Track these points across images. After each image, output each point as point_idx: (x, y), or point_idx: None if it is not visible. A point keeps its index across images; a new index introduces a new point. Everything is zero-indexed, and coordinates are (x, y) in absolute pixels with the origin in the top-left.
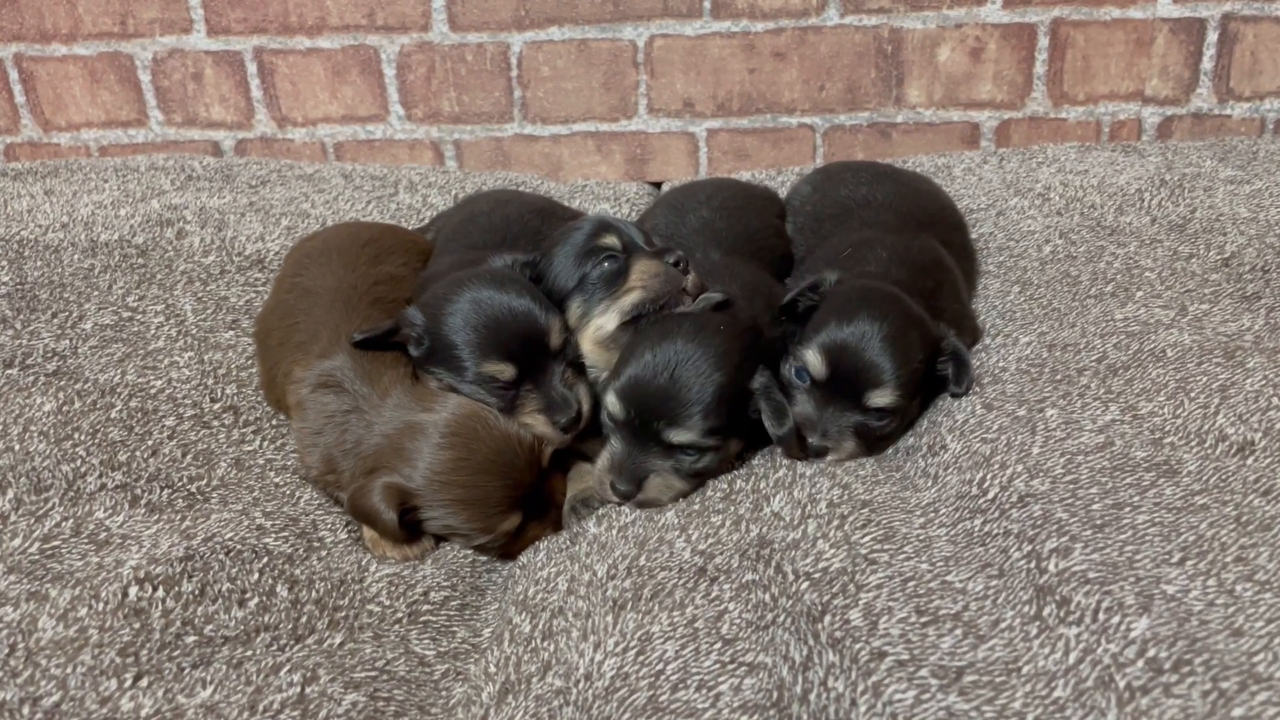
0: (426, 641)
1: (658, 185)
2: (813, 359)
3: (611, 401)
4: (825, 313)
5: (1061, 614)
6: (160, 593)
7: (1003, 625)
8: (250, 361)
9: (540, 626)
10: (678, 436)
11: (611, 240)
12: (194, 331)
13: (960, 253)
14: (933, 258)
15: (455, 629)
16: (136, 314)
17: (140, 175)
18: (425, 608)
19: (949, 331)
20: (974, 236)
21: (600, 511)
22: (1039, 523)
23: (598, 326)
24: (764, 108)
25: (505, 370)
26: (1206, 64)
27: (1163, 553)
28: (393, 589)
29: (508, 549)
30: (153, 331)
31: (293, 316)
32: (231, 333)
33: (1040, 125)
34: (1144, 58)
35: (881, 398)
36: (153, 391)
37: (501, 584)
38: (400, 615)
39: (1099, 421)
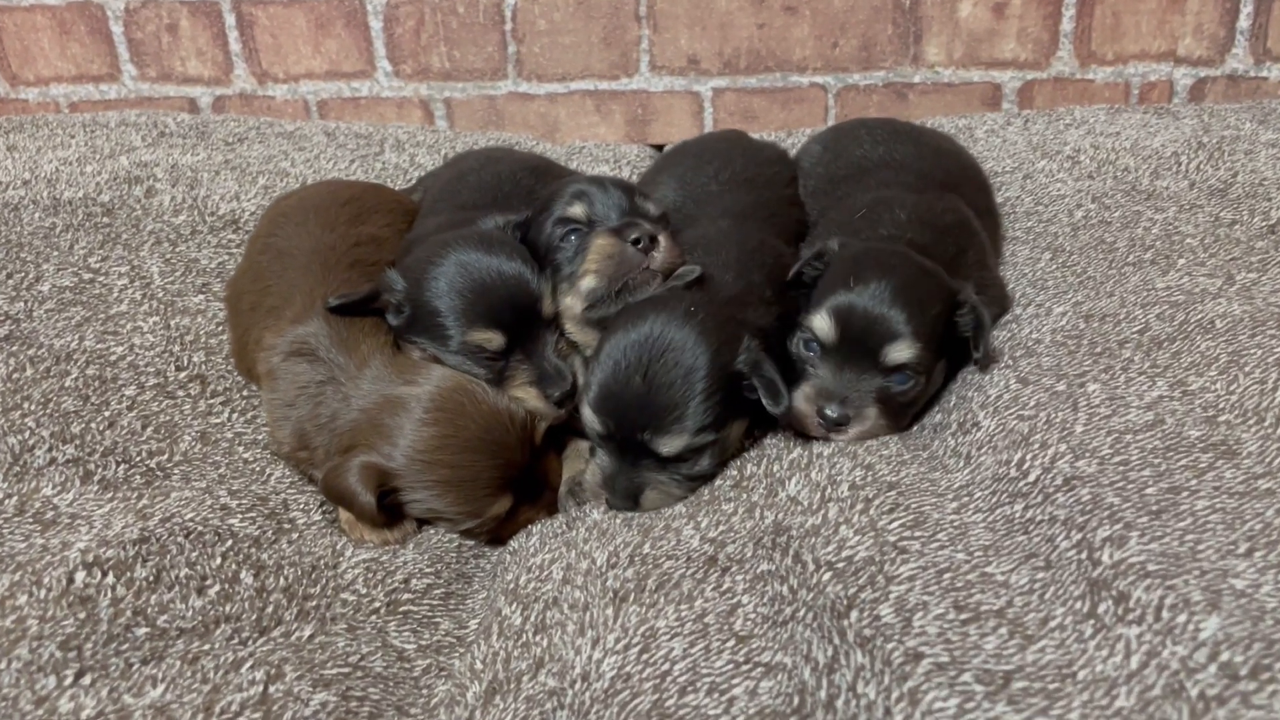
0: (406, 634)
1: (659, 148)
2: (821, 323)
3: (588, 416)
4: (830, 277)
5: (1120, 611)
6: (110, 579)
7: (1053, 624)
8: (221, 327)
9: (533, 619)
10: (667, 446)
11: (577, 211)
12: (160, 295)
13: (985, 216)
14: (957, 219)
15: (438, 620)
16: (99, 276)
17: (110, 131)
18: (405, 597)
19: (966, 284)
20: (999, 201)
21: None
22: (1089, 508)
23: (566, 306)
24: (773, 66)
25: (494, 339)
26: (1243, 22)
27: (1227, 542)
28: (370, 576)
29: (497, 533)
30: (115, 295)
31: (265, 279)
32: (201, 297)
33: (1066, 86)
34: (1177, 15)
35: (900, 351)
36: (113, 359)
37: (490, 571)
38: (378, 605)
39: (1146, 398)
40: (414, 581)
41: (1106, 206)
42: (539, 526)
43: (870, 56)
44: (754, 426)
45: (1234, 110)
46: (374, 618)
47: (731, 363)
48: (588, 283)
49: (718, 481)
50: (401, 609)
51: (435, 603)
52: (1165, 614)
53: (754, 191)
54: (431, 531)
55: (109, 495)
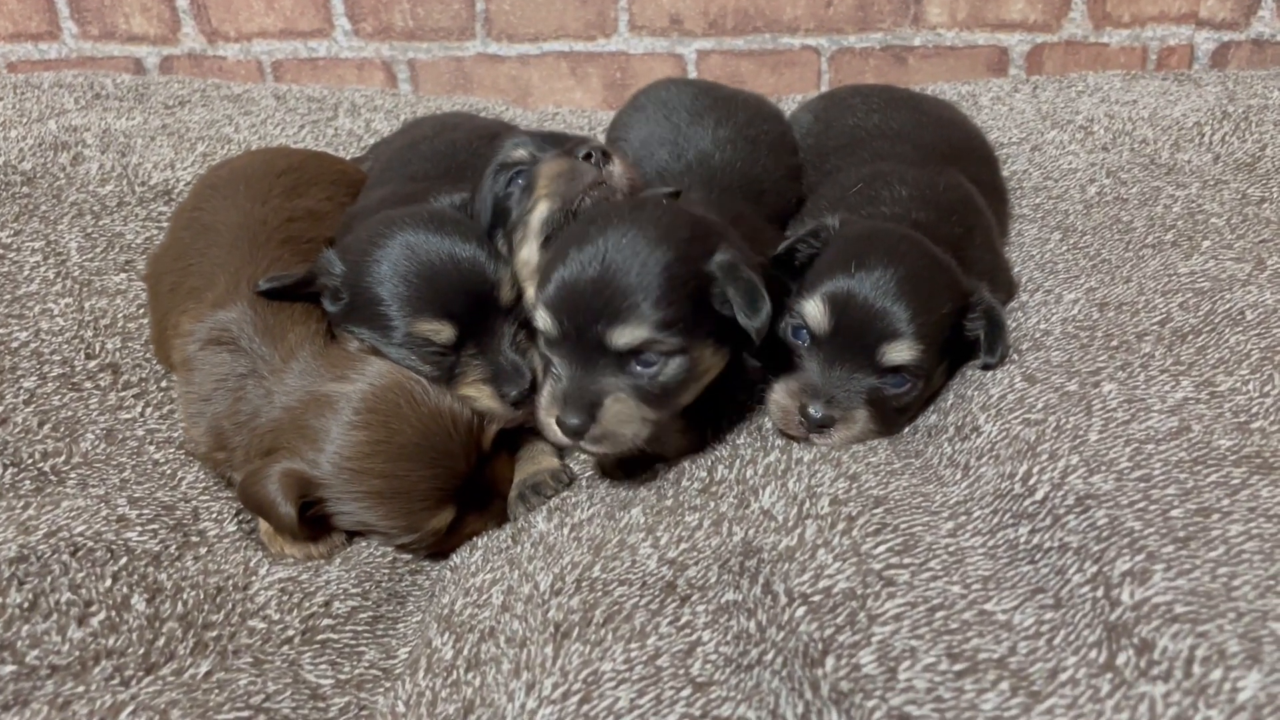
0: (323, 667)
1: None
2: (814, 310)
3: (541, 316)
4: (828, 259)
5: (1142, 664)
6: None
7: (1063, 677)
8: (142, 310)
9: (465, 653)
10: (625, 336)
11: (520, 154)
12: (76, 273)
13: (990, 191)
14: (960, 196)
15: (363, 649)
16: (9, 251)
17: (41, 93)
18: (325, 623)
19: (981, 284)
20: (1005, 174)
21: (554, 503)
22: (1105, 535)
23: (524, 262)
24: (762, 26)
25: (443, 331)
26: None
27: (1267, 576)
28: (284, 599)
29: (439, 547)
30: (26, 272)
31: (188, 257)
32: (123, 276)
33: (1078, 51)
34: None
35: (899, 352)
36: (14, 345)
37: (428, 590)
38: (291, 633)
39: (1169, 400)
40: (336, 605)
41: (1123, 182)
42: (484, 539)
43: (867, 17)
44: (734, 370)
45: (1261, 77)
46: (285, 649)
47: (701, 261)
48: (540, 210)
49: (684, 483)
50: (319, 638)
51: (360, 629)
52: (1196, 669)
53: (749, 167)
54: (363, 544)
55: None
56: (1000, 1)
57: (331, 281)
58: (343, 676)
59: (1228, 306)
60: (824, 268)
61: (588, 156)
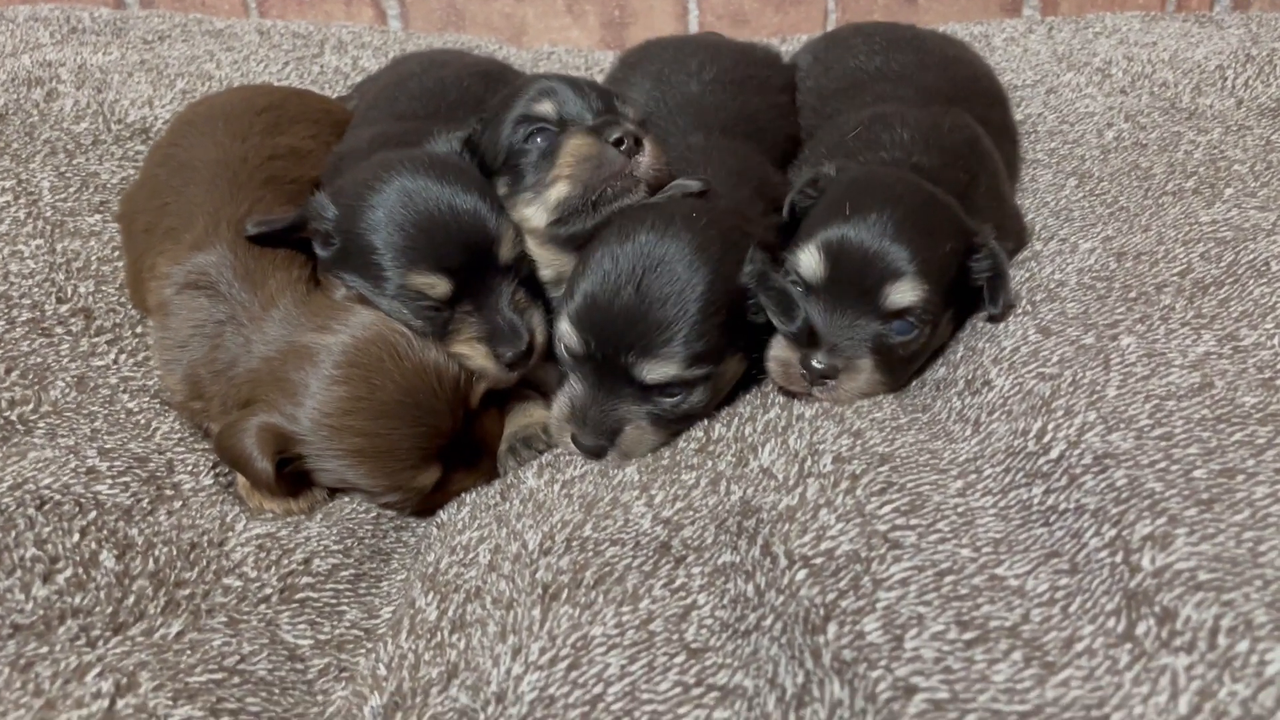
0: (302, 627)
1: None
2: (808, 259)
3: (566, 331)
4: (824, 206)
5: (1164, 635)
6: None
7: (1079, 647)
8: (117, 253)
9: (450, 614)
10: (654, 373)
11: (546, 108)
12: (49, 214)
13: (999, 132)
14: (966, 137)
15: (344, 608)
16: None
17: (16, 28)
18: (304, 580)
19: (986, 226)
20: (1019, 118)
21: (545, 458)
22: (1124, 496)
23: (524, 218)
24: None
25: (438, 285)
26: None
27: None
28: (262, 556)
29: (425, 505)
30: None
31: (163, 196)
32: (98, 217)
33: None
34: None
35: (902, 293)
36: None
37: (414, 548)
38: (269, 592)
39: (1190, 355)
40: (316, 562)
41: (1141, 126)
42: (472, 496)
43: None
44: (753, 366)
45: None
46: (263, 608)
47: (735, 277)
48: (559, 190)
49: (681, 442)
50: (298, 596)
51: (341, 587)
52: (1221, 640)
53: (740, 98)
54: (345, 500)
55: None
56: None
57: (323, 226)
58: (322, 637)
59: (1251, 257)
60: (819, 216)
61: (618, 142)
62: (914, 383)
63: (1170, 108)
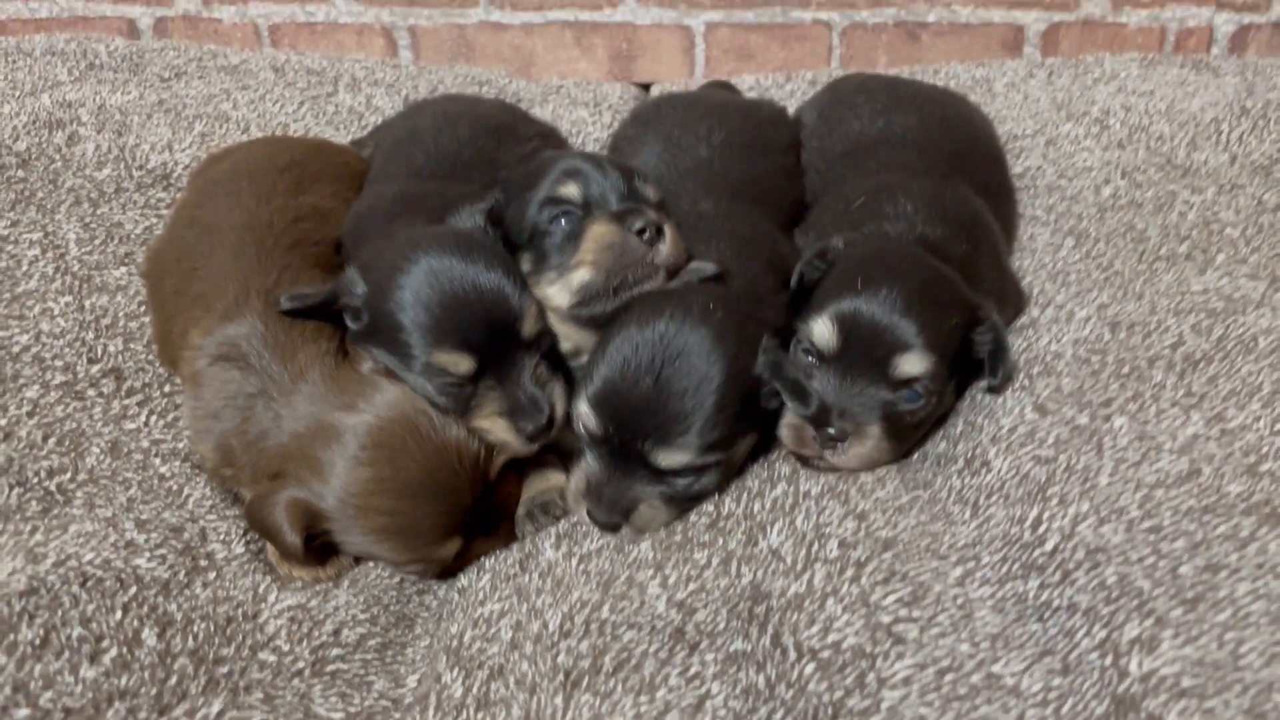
0: (334, 700)
1: (646, 87)
2: (822, 329)
3: (585, 412)
4: (835, 279)
5: None
6: None
7: None
8: (143, 307)
9: (475, 691)
10: (669, 460)
11: (571, 191)
12: (76, 268)
13: (998, 193)
14: (967, 211)
15: (372, 679)
16: (7, 244)
17: (34, 62)
18: (335, 653)
19: (988, 300)
20: (1019, 171)
21: (562, 527)
22: (1114, 595)
23: (546, 297)
24: (774, 0)
25: (462, 362)
26: None
27: (1272, 642)
28: (294, 628)
29: (446, 569)
30: (25, 268)
31: (191, 259)
32: (123, 270)
33: (1095, 31)
34: None
35: (911, 364)
36: (15, 350)
37: (435, 612)
38: (301, 665)
39: (1180, 437)
40: (345, 633)
41: (1138, 184)
42: (491, 561)
43: None
44: (763, 443)
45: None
46: (296, 682)
47: (751, 367)
48: (582, 275)
49: (692, 516)
50: (329, 669)
51: (369, 657)
52: None
53: (749, 161)
54: (370, 565)
55: None
56: None
57: (354, 302)
58: (353, 709)
59: (1240, 332)
60: (831, 288)
61: (641, 231)
62: (916, 455)
63: (1166, 163)
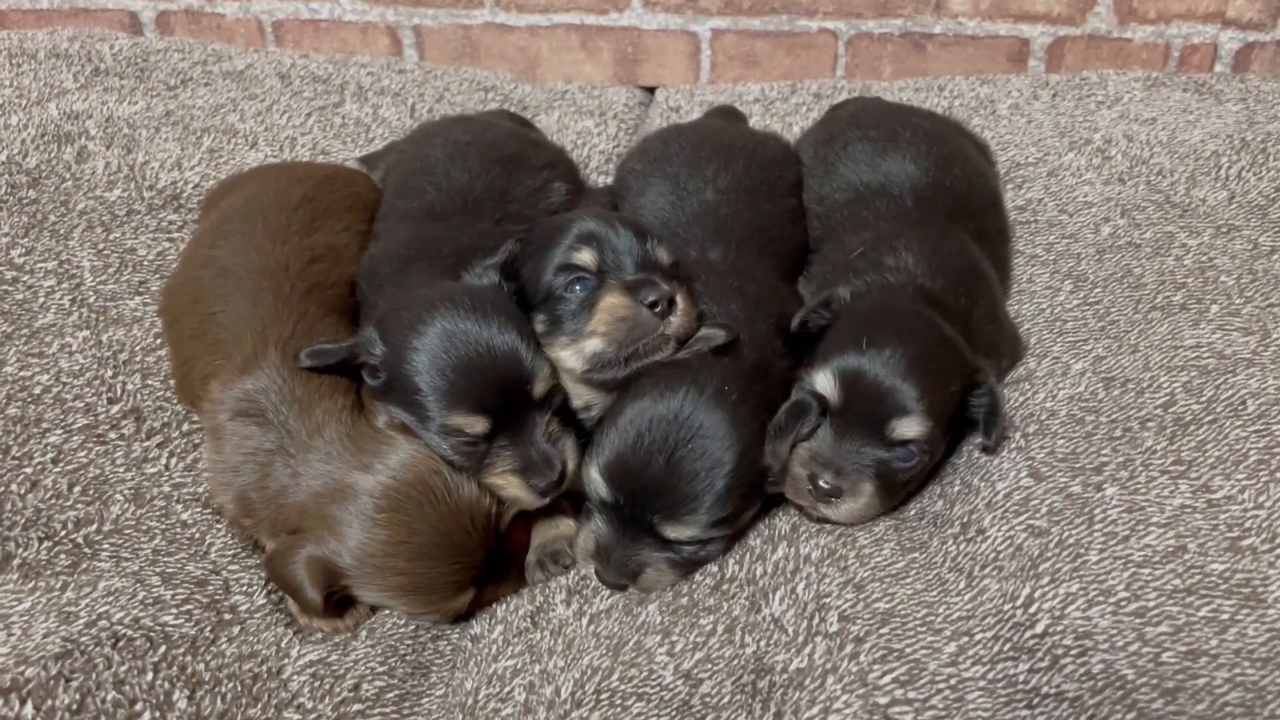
0: None
1: (650, 90)
2: (825, 384)
3: (596, 480)
4: (840, 333)
5: None
6: (29, 709)
7: None
8: (159, 339)
9: None
10: (676, 533)
11: (586, 259)
12: (92, 299)
13: (994, 237)
14: (965, 263)
15: None
16: (23, 274)
17: (39, 66)
18: (355, 708)
19: (986, 363)
20: (1020, 203)
21: (573, 580)
22: (1100, 685)
23: (559, 360)
24: (780, 7)
25: (477, 424)
26: None
27: None
28: (317, 685)
29: (459, 616)
30: (42, 300)
31: (209, 303)
32: (138, 300)
33: (1100, 46)
34: None
35: (908, 428)
36: (37, 391)
37: (449, 658)
38: None
39: (1167, 508)
40: (365, 687)
41: (1137, 224)
42: (503, 610)
43: (888, 3)
44: (766, 508)
45: None
46: None
47: (760, 454)
48: (594, 345)
49: (697, 577)
50: None
51: (389, 710)
52: None
53: (755, 207)
54: (385, 614)
55: (30, 585)
56: None
57: (372, 360)
58: None
59: (1230, 394)
60: (835, 342)
61: (653, 304)
62: (913, 511)
63: (1165, 201)
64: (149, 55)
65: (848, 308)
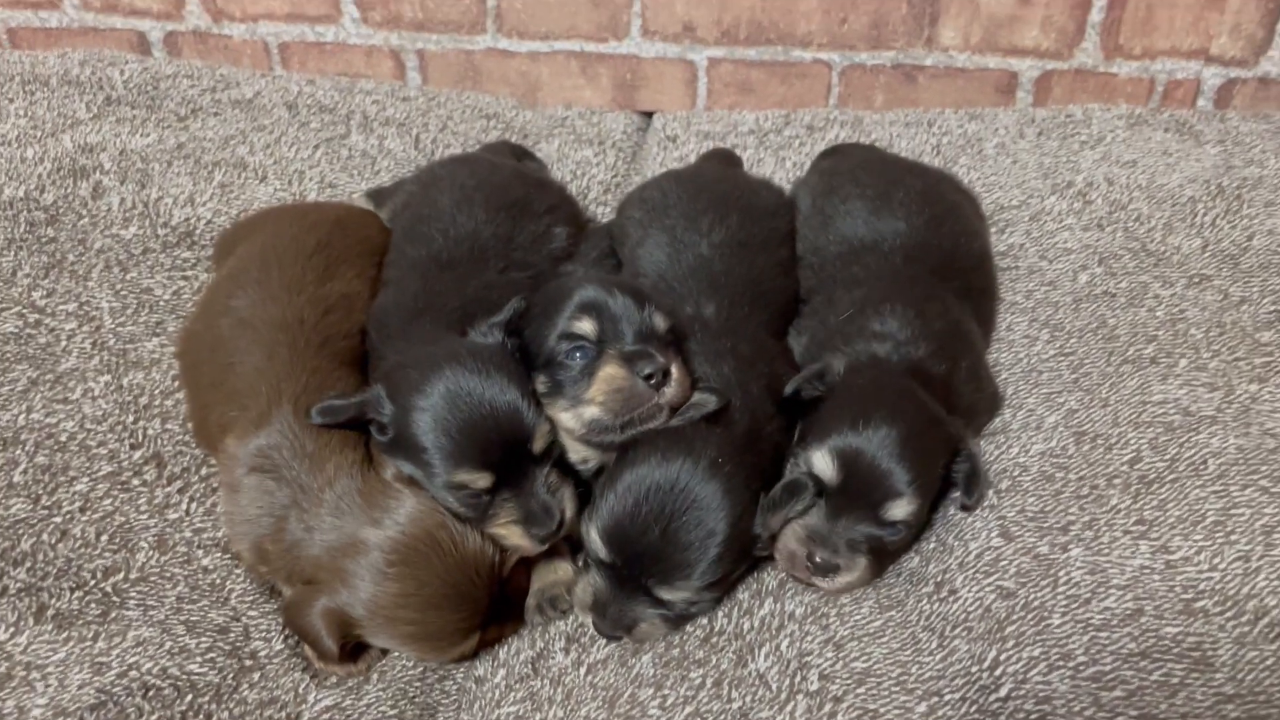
0: None
1: (648, 115)
2: (822, 464)
3: (594, 541)
4: (835, 411)
5: None
6: None
7: None
8: (175, 382)
9: None
10: (670, 595)
11: (586, 328)
12: (111, 342)
13: (980, 294)
14: (947, 325)
15: None
16: (45, 317)
17: (51, 94)
18: None
19: (966, 432)
20: (1003, 248)
21: (570, 628)
22: None
23: (559, 420)
24: (775, 38)
25: (481, 479)
26: None
27: None
28: None
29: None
30: (64, 344)
31: (226, 353)
32: (155, 341)
33: (1086, 80)
34: (1215, 12)
35: (901, 509)
36: (63, 438)
37: (455, 699)
38: None
39: (1127, 569)
40: None
41: (1113, 272)
42: (505, 654)
43: (881, 35)
44: (754, 564)
45: (1259, 134)
46: None
47: (751, 523)
48: (592, 412)
49: (689, 627)
50: None
51: None
52: None
53: (748, 262)
54: (395, 656)
55: (64, 636)
56: (1014, 28)
57: (380, 418)
58: None
59: (1192, 453)
60: (830, 419)
61: (649, 377)
62: (890, 568)
63: (1141, 250)
64: (159, 82)
65: (842, 383)
